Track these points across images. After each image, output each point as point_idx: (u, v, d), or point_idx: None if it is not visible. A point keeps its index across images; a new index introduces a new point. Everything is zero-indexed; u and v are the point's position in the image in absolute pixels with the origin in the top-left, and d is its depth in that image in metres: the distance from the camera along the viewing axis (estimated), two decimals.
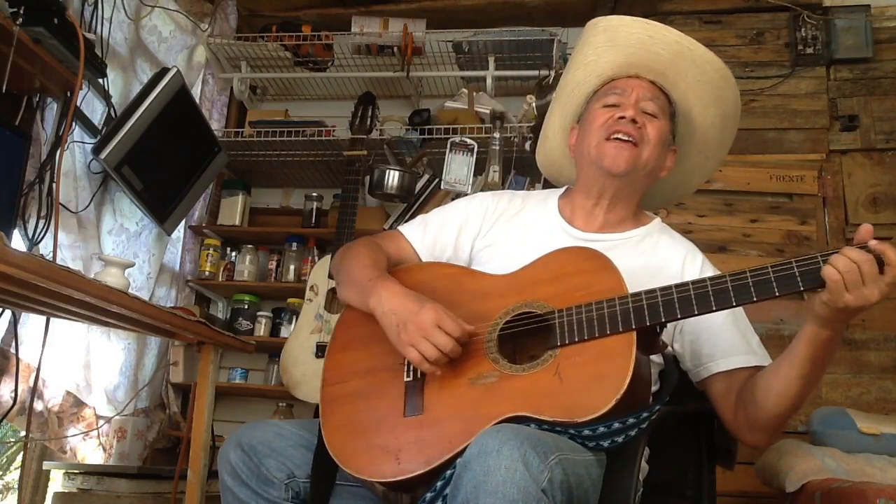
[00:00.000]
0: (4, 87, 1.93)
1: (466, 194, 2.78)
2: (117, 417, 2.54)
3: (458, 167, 2.75)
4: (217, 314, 3.13)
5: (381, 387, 1.24)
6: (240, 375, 3.01)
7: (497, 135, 2.75)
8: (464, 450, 1.00)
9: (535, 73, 2.89)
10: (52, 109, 2.23)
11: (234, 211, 3.12)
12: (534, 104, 2.74)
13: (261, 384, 3.02)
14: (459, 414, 1.14)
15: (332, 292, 2.62)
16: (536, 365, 1.15)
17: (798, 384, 1.13)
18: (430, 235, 1.46)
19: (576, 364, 1.12)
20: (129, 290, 1.78)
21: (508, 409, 1.10)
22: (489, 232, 1.45)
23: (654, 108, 1.37)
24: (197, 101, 2.85)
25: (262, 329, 2.99)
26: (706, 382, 1.29)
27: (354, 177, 2.69)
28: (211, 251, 3.04)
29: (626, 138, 1.33)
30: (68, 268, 1.39)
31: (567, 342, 1.14)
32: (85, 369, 2.42)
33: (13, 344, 2.05)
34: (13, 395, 2.02)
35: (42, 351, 2.10)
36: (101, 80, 2.38)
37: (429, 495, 1.07)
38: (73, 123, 2.23)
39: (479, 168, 2.83)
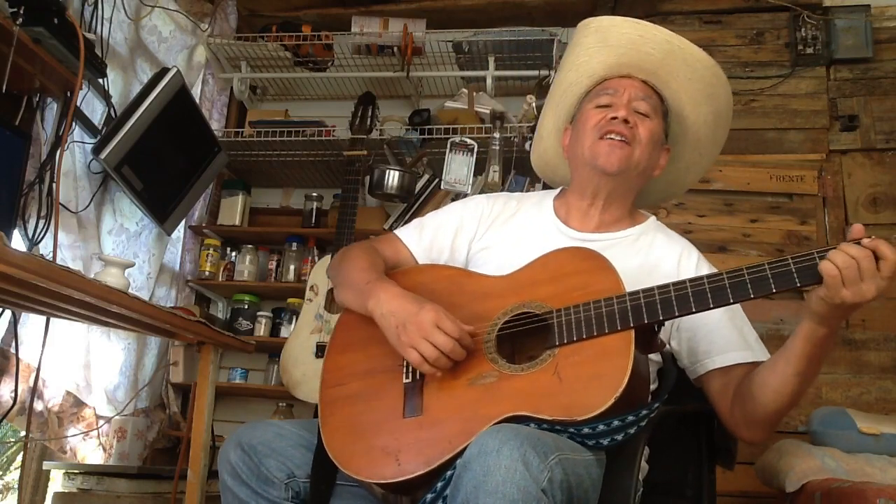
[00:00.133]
0: (4, 87, 1.93)
1: (466, 194, 2.80)
2: (117, 417, 2.54)
3: (458, 167, 2.75)
4: (217, 314, 3.13)
5: (381, 388, 1.24)
6: (240, 375, 3.01)
7: (497, 135, 2.75)
8: (464, 450, 1.00)
9: (535, 73, 2.89)
10: (52, 109, 2.23)
11: (234, 211, 3.12)
12: (534, 104, 2.74)
13: (261, 384, 3.02)
14: (459, 414, 1.14)
15: (332, 292, 2.62)
16: (535, 365, 1.15)
17: (794, 381, 1.13)
18: (426, 238, 1.46)
19: (574, 363, 1.12)
20: (129, 290, 1.78)
21: (508, 409, 1.10)
22: (485, 234, 1.45)
23: (646, 107, 1.37)
24: (197, 101, 2.85)
25: (262, 329, 2.99)
26: (703, 379, 1.30)
27: (354, 177, 2.69)
28: (211, 251, 3.04)
29: (618, 138, 1.34)
30: (68, 268, 1.39)
31: (565, 341, 1.14)
32: (85, 369, 2.42)
33: (13, 344, 2.04)
34: (13, 395, 2.02)
35: (42, 351, 2.10)
36: (101, 80, 2.38)
37: (429, 496, 1.07)
38: (73, 123, 2.23)
39: (479, 168, 2.83)
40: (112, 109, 2.48)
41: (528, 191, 2.74)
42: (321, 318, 2.62)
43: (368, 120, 2.80)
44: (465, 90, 3.00)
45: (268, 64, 3.24)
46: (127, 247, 2.66)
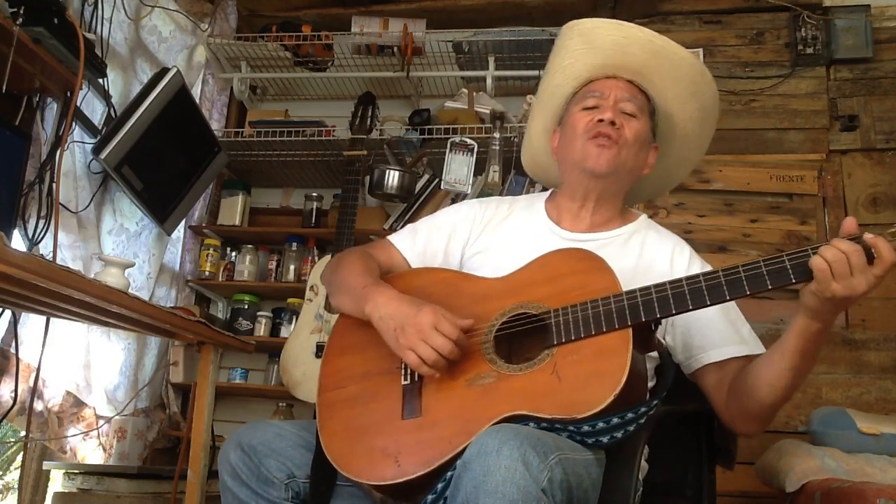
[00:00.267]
0: (4, 87, 1.93)
1: (466, 194, 2.80)
2: (117, 417, 2.54)
3: (458, 167, 2.75)
4: (217, 314, 3.13)
5: (379, 391, 1.24)
6: (240, 375, 3.01)
7: (497, 135, 2.75)
8: (464, 450, 1.00)
9: (535, 73, 2.89)
10: (52, 109, 2.23)
11: (234, 211, 3.12)
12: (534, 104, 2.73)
13: (261, 384, 3.02)
14: (458, 415, 1.14)
15: None
16: (534, 364, 1.15)
17: (789, 375, 1.14)
18: (419, 244, 1.47)
19: (573, 362, 1.13)
20: (129, 290, 1.78)
21: (507, 409, 1.11)
22: (478, 239, 1.46)
23: (632, 107, 1.38)
24: (197, 101, 2.85)
25: (262, 329, 2.99)
26: (698, 373, 1.31)
27: (354, 177, 2.69)
28: (211, 251, 3.04)
29: (606, 140, 1.35)
30: (68, 268, 1.39)
31: (563, 341, 1.15)
32: (85, 369, 2.42)
33: (13, 344, 2.04)
34: (13, 395, 2.02)
35: (42, 351, 2.10)
36: (101, 80, 2.38)
37: (430, 497, 1.07)
38: (73, 123, 2.23)
39: (479, 168, 2.83)
40: (112, 109, 2.48)
41: (528, 190, 2.75)
42: (321, 318, 2.62)
43: (368, 120, 2.80)
44: (465, 90, 3.00)
45: (268, 64, 3.24)
46: (127, 247, 2.66)
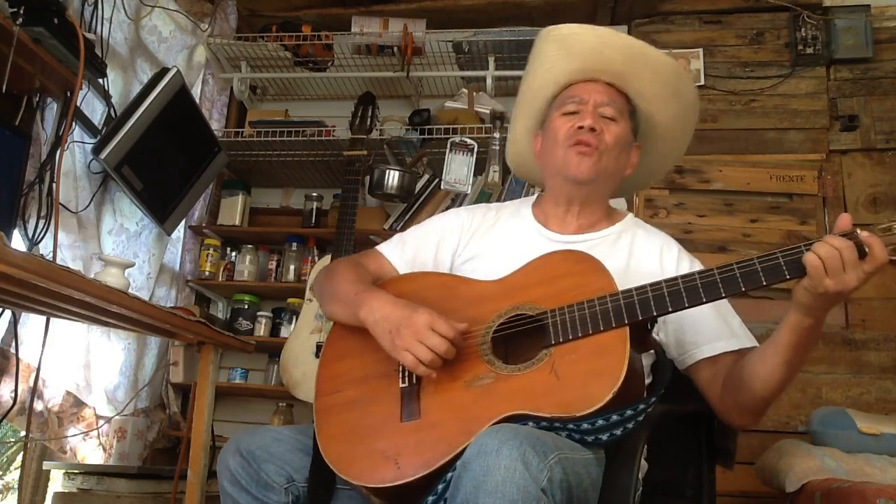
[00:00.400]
0: (4, 87, 1.93)
1: (466, 194, 2.80)
2: (117, 417, 2.54)
3: (458, 167, 2.75)
4: (217, 314, 3.13)
5: (377, 394, 1.24)
6: (240, 375, 3.01)
7: (497, 135, 2.75)
8: (464, 451, 1.01)
9: None
10: (52, 109, 2.23)
11: (234, 211, 3.12)
12: None
13: (261, 384, 3.02)
14: (457, 416, 1.14)
15: None
16: (532, 364, 1.15)
17: (782, 370, 1.15)
18: (408, 252, 1.48)
19: (571, 361, 1.13)
20: (129, 290, 1.78)
21: (506, 409, 1.11)
22: (468, 246, 1.47)
23: (612, 111, 1.39)
24: (197, 101, 2.85)
25: (262, 329, 2.99)
26: (691, 369, 1.32)
27: (354, 177, 2.69)
28: (211, 251, 3.04)
29: (586, 148, 1.36)
30: (68, 268, 1.39)
31: (561, 340, 1.16)
32: (85, 369, 2.42)
33: (13, 344, 2.04)
34: (13, 395, 2.02)
35: (42, 351, 2.10)
36: (101, 80, 2.38)
37: (430, 499, 1.07)
38: (73, 123, 2.23)
39: (479, 168, 2.83)
40: (112, 109, 2.48)
41: (528, 191, 2.74)
42: (321, 317, 2.62)
43: (368, 120, 2.80)
44: (465, 90, 3.00)
45: (268, 64, 3.24)
46: (127, 247, 2.66)
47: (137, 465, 2.55)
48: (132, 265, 2.06)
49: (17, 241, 2.08)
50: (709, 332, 1.29)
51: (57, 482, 2.39)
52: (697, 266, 1.38)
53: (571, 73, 1.44)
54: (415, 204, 2.90)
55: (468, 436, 1.05)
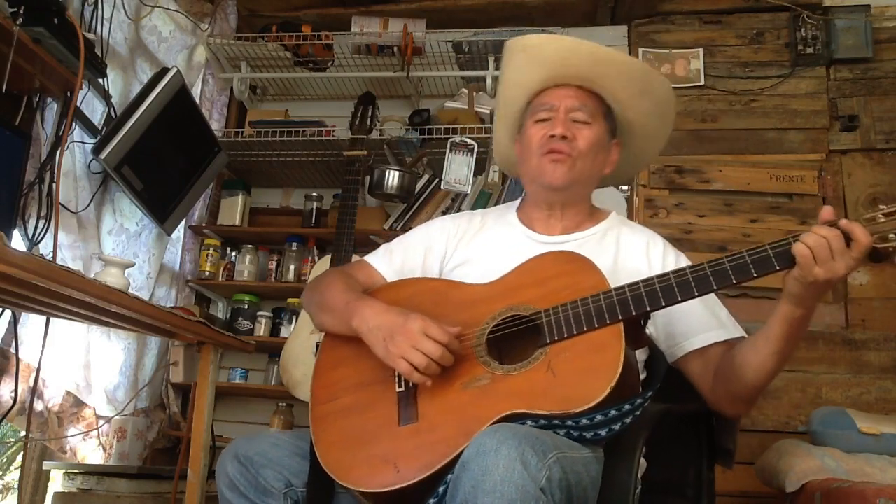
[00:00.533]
0: (4, 87, 1.93)
1: (466, 194, 2.80)
2: (117, 417, 2.54)
3: (458, 167, 2.75)
4: (217, 314, 3.13)
5: (374, 399, 1.24)
6: (240, 375, 3.01)
7: None
8: (463, 452, 1.00)
9: None
10: (52, 109, 2.23)
11: (234, 211, 3.12)
12: None
13: (261, 384, 3.02)
14: (455, 417, 1.14)
15: None
16: (528, 364, 1.16)
17: (773, 359, 1.17)
18: (396, 261, 1.48)
19: (567, 359, 1.14)
20: (129, 290, 1.78)
21: (504, 408, 1.11)
22: (455, 252, 1.47)
23: (583, 115, 1.41)
24: (197, 101, 2.85)
25: (262, 329, 2.99)
26: (681, 361, 1.33)
27: (354, 177, 2.69)
28: (211, 251, 3.04)
29: (559, 155, 1.38)
30: (68, 268, 1.39)
31: (556, 339, 1.16)
32: (85, 369, 2.42)
33: (13, 344, 2.04)
34: (13, 395, 2.02)
35: (42, 351, 2.10)
36: (101, 80, 2.38)
37: (431, 501, 1.07)
38: (73, 123, 2.23)
39: (479, 168, 2.83)
40: (112, 109, 2.48)
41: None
42: None
43: (368, 120, 2.80)
44: (465, 90, 3.00)
45: (268, 64, 3.24)
46: (127, 247, 2.66)
47: (137, 465, 2.55)
48: (132, 265, 2.06)
49: (17, 241, 2.08)
50: (697, 324, 1.30)
51: (57, 482, 2.39)
52: (683, 260, 1.40)
53: (540, 81, 1.46)
54: (415, 204, 2.90)
55: (467, 437, 1.05)
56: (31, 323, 2.13)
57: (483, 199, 2.86)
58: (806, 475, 1.98)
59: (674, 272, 1.16)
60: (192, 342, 2.13)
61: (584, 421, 1.09)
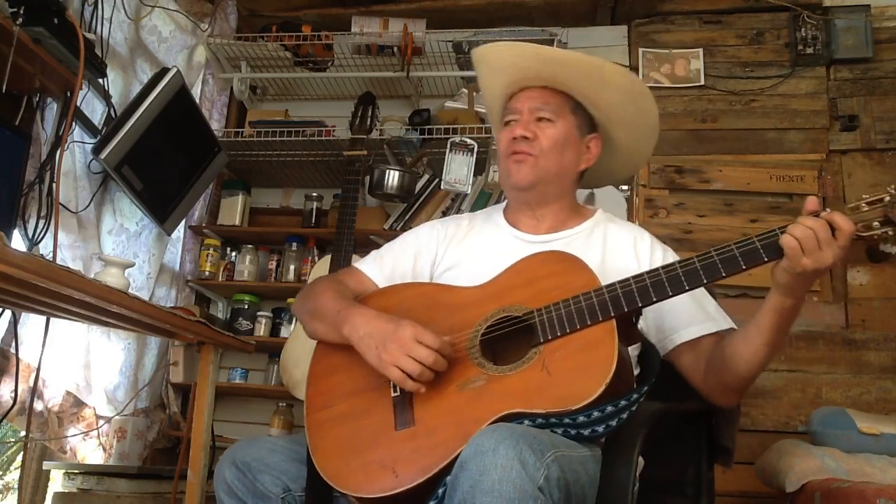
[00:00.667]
0: (4, 87, 1.93)
1: (466, 194, 2.80)
2: (117, 417, 2.54)
3: (458, 167, 2.75)
4: (217, 314, 3.13)
5: (369, 405, 1.23)
6: (240, 375, 3.01)
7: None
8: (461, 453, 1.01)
9: None
10: (52, 109, 2.23)
11: (234, 211, 3.12)
12: None
13: (261, 384, 3.02)
14: (452, 420, 1.14)
15: None
16: (522, 363, 1.16)
17: (764, 350, 1.18)
18: (387, 267, 1.49)
19: (561, 357, 1.14)
20: (129, 290, 1.78)
21: (501, 409, 1.11)
22: (445, 255, 1.48)
23: (547, 113, 1.43)
24: (197, 101, 2.85)
25: (262, 329, 2.99)
26: (672, 354, 1.33)
27: (354, 177, 2.69)
28: (211, 251, 3.04)
29: (521, 156, 1.41)
30: (68, 268, 1.39)
31: (549, 338, 1.17)
32: (85, 369, 2.42)
33: (13, 344, 2.05)
34: (13, 395, 2.02)
35: (42, 351, 2.10)
36: (101, 80, 2.38)
37: (431, 503, 1.07)
38: (73, 123, 2.23)
39: (479, 168, 2.83)
40: (112, 109, 2.48)
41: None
42: None
43: (368, 120, 2.80)
44: (465, 90, 3.00)
45: (268, 64, 3.24)
46: (127, 247, 2.66)
47: (137, 465, 2.55)
48: (132, 265, 2.06)
49: (17, 241, 2.09)
50: (686, 316, 1.32)
51: (57, 482, 2.39)
52: (671, 254, 1.41)
53: (503, 86, 1.50)
54: (415, 204, 2.90)
55: (465, 438, 1.04)
56: (31, 323, 2.13)
57: (483, 199, 2.86)
58: (806, 475, 1.98)
59: (663, 268, 1.17)
60: (192, 342, 2.13)
61: (580, 418, 1.09)
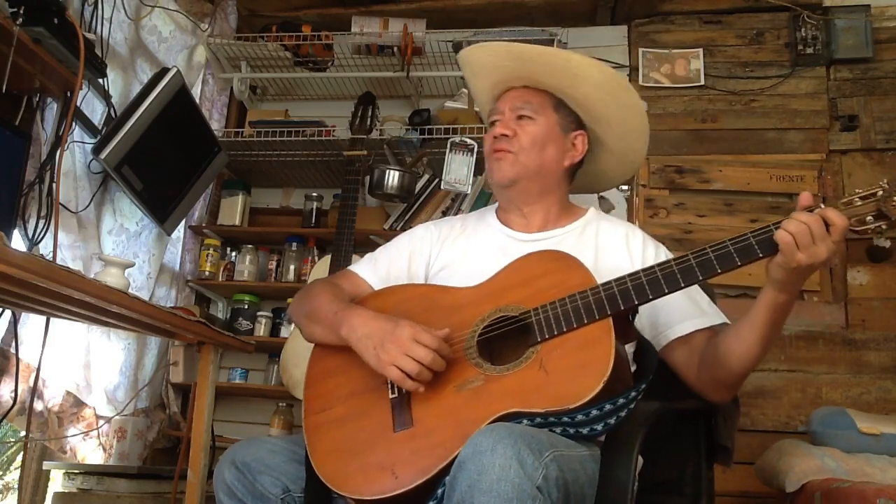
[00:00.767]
0: (4, 87, 1.93)
1: (466, 194, 2.80)
2: (117, 417, 2.54)
3: (458, 167, 2.75)
4: (217, 314, 3.13)
5: (368, 407, 1.24)
6: (240, 375, 3.01)
7: None
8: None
9: None
10: (52, 109, 2.23)
11: (234, 211, 3.12)
12: None
13: (261, 384, 3.02)
14: (451, 420, 1.14)
15: None
16: (520, 363, 1.16)
17: (758, 345, 1.19)
18: (381, 269, 1.49)
19: (559, 356, 1.14)
20: (129, 290, 1.78)
21: (499, 408, 1.11)
22: (439, 255, 1.49)
23: (527, 111, 1.45)
24: (197, 101, 2.85)
25: (262, 329, 2.99)
26: (665, 350, 1.34)
27: (354, 177, 2.69)
28: (211, 251, 3.04)
29: (501, 154, 1.43)
30: (68, 268, 1.39)
31: (546, 337, 1.17)
32: (85, 369, 2.42)
33: (13, 344, 2.05)
34: (13, 395, 2.02)
35: (42, 351, 2.10)
36: (101, 80, 2.39)
37: (430, 503, 1.07)
38: (73, 123, 2.23)
39: (479, 168, 2.82)
40: (112, 109, 2.48)
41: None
42: None
43: (368, 120, 2.80)
44: (465, 90, 3.00)
45: (268, 64, 3.24)
46: (127, 247, 2.66)
47: (137, 465, 2.55)
48: (132, 265, 2.06)
49: (17, 241, 2.09)
50: (679, 312, 1.32)
51: (57, 482, 2.39)
52: (663, 250, 1.42)
53: (486, 90, 1.53)
54: (415, 204, 2.90)
55: (463, 439, 1.04)
56: (31, 323, 2.13)
57: (483, 199, 2.86)
58: (806, 475, 1.98)
59: (659, 265, 1.17)
60: (192, 342, 2.13)
61: (579, 417, 1.09)
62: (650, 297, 1.16)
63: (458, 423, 1.12)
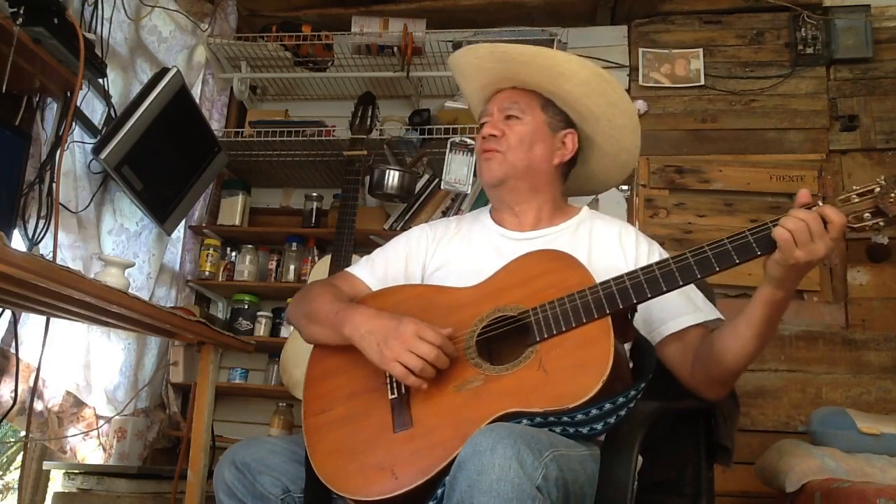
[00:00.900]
0: (4, 87, 1.93)
1: (466, 194, 2.81)
2: (117, 417, 2.54)
3: (458, 167, 2.75)
4: (217, 314, 3.13)
5: (367, 408, 1.24)
6: (240, 375, 3.02)
7: None
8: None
9: None
10: (52, 109, 2.23)
11: (234, 211, 3.12)
12: None
13: (261, 384, 3.02)
14: (450, 420, 1.14)
15: None
16: (519, 363, 1.16)
17: (754, 342, 1.18)
18: (379, 270, 1.50)
19: (558, 355, 1.14)
20: (129, 290, 1.78)
21: (499, 408, 1.11)
22: (435, 256, 1.49)
23: (515, 111, 1.47)
24: (197, 101, 2.85)
25: (262, 329, 2.99)
26: (659, 346, 1.34)
27: (354, 177, 2.69)
28: (211, 251, 3.04)
29: (489, 153, 1.45)
30: (68, 268, 1.39)
31: (546, 336, 1.17)
32: (85, 369, 2.42)
33: (13, 344, 2.05)
34: (13, 395, 2.02)
35: (42, 351, 2.10)
36: (101, 80, 2.39)
37: None
38: (73, 123, 2.23)
39: None
40: (112, 109, 2.48)
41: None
42: None
43: (368, 120, 2.80)
44: None
45: (268, 64, 3.24)
46: (127, 247, 2.66)
47: (137, 465, 2.55)
48: (132, 265, 2.06)
49: (17, 241, 2.09)
50: (673, 308, 1.32)
51: (57, 482, 2.39)
52: (656, 248, 1.42)
53: (476, 92, 1.55)
54: (415, 204, 2.90)
55: (463, 439, 1.04)
56: (31, 323, 2.13)
57: (483, 199, 2.86)
58: (806, 475, 1.98)
59: (657, 264, 1.17)
60: (192, 342, 2.13)
61: (578, 416, 1.09)
62: (649, 295, 1.16)
63: (458, 424, 1.12)
